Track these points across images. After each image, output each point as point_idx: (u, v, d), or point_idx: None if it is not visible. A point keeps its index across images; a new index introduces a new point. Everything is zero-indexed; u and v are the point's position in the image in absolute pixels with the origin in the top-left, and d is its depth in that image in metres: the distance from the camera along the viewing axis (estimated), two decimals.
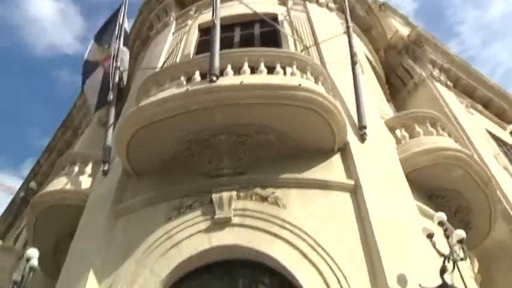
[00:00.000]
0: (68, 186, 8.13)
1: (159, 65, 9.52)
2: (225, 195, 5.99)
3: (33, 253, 5.35)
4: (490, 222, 7.97)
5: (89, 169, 8.28)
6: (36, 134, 72.91)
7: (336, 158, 6.64)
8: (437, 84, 12.16)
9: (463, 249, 5.41)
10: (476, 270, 7.94)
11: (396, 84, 12.71)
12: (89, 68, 10.18)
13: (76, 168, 8.39)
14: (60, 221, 7.90)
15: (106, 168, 7.54)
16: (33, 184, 13.89)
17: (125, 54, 9.66)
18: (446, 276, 4.94)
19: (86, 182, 8.09)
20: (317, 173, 6.38)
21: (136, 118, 6.55)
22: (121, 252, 6.04)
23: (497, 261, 8.73)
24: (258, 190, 6.09)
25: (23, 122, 68.85)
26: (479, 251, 8.37)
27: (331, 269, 5.20)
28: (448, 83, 12.70)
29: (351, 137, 6.84)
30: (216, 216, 5.87)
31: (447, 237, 5.37)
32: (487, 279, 8.31)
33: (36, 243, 7.62)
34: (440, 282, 4.87)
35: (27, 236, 10.07)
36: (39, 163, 15.95)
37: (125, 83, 9.52)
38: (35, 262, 5.27)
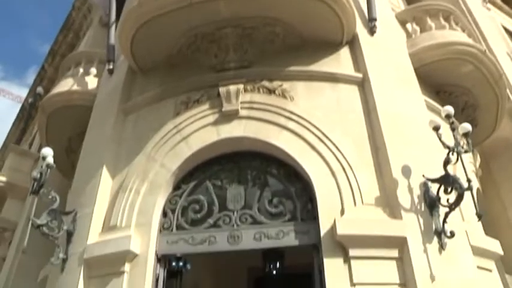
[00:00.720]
0: (75, 87, 8.16)
1: None
2: (232, 88, 5.98)
3: (48, 152, 5.44)
4: (496, 120, 8.00)
5: (94, 69, 8.24)
6: (36, 41, 71.67)
7: (344, 51, 6.49)
8: None
9: (467, 142, 5.46)
10: (477, 166, 8.15)
11: None
12: None
13: (81, 69, 8.35)
14: (70, 121, 8.05)
15: (111, 67, 7.51)
16: (40, 89, 13.92)
17: None
18: (449, 168, 5.03)
19: (92, 82, 8.10)
20: (325, 65, 6.28)
21: (137, 13, 6.30)
22: (131, 147, 6.22)
23: (498, 158, 8.94)
24: (265, 83, 6.06)
25: (22, 31, 67.33)
26: (482, 148, 8.52)
27: (337, 159, 5.33)
28: None
29: (360, 30, 6.62)
30: (223, 109, 5.91)
31: (453, 130, 5.39)
32: (486, 174, 8.59)
33: (49, 144, 7.78)
34: (443, 173, 4.98)
35: (40, 138, 10.34)
36: (44, 69, 15.82)
37: None
38: (50, 160, 5.38)
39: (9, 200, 11.43)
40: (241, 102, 5.94)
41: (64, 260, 5.46)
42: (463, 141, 5.52)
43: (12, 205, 11.22)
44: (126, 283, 5.06)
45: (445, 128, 5.43)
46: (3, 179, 11.67)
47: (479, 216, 4.94)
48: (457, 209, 4.93)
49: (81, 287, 5.18)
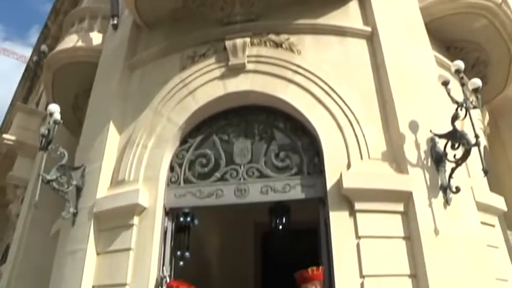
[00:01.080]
0: (80, 44, 8.09)
1: None
2: (239, 41, 5.87)
3: (54, 108, 5.44)
4: (508, 77, 7.83)
5: (98, 25, 8.13)
6: (37, 0, 70.31)
7: (353, 4, 6.29)
8: None
9: (477, 98, 5.37)
10: (486, 123, 8.07)
11: None
12: None
13: (85, 25, 8.25)
14: (76, 78, 8.03)
15: (115, 22, 7.38)
16: (44, 47, 13.78)
17: None
18: (457, 124, 4.98)
19: (96, 38, 8.02)
20: (333, 19, 6.12)
21: None
22: (138, 102, 6.20)
23: (507, 116, 8.82)
24: (272, 36, 5.94)
25: None
26: (491, 106, 8.41)
27: (345, 113, 5.29)
28: None
29: None
30: (230, 63, 5.84)
31: (462, 85, 5.29)
32: (494, 132, 8.51)
33: (56, 101, 7.79)
34: (450, 129, 4.93)
35: (46, 96, 10.34)
36: (47, 27, 15.53)
37: None
38: (57, 116, 5.39)
39: (19, 158, 11.58)
40: (247, 56, 5.84)
41: (74, 214, 5.58)
42: (472, 97, 5.43)
43: (23, 163, 11.37)
44: (135, 235, 5.17)
45: (454, 84, 5.35)
46: (13, 137, 11.77)
47: (486, 172, 4.92)
48: (463, 165, 4.90)
49: (91, 239, 5.31)
